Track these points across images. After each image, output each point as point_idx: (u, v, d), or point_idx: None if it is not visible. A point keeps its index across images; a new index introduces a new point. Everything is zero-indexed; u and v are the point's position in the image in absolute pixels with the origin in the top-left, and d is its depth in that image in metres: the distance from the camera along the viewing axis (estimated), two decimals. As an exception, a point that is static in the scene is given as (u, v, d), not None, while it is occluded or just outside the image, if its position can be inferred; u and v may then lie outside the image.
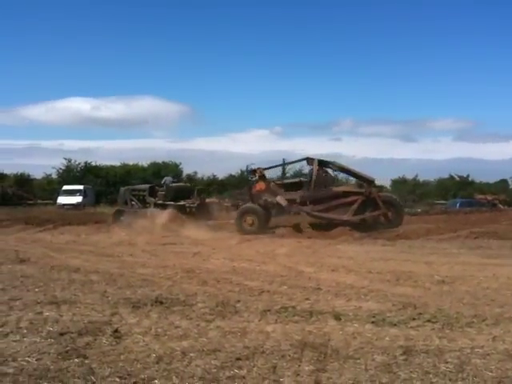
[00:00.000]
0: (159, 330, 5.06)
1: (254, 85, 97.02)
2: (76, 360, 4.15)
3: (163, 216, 18.12)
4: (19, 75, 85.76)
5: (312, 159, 17.55)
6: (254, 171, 18.32)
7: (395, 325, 5.38)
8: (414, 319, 5.59)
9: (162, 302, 6.23)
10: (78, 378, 3.78)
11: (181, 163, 57.67)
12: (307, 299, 6.54)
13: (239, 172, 53.63)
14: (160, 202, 19.74)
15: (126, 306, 6.02)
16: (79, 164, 54.30)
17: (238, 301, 6.39)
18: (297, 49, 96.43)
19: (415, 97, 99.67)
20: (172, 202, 19.56)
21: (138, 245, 13.41)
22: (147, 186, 21.15)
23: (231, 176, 52.96)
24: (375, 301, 6.54)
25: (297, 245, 13.83)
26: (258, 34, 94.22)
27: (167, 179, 21.56)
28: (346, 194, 16.92)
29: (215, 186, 49.07)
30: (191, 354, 4.33)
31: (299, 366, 4.11)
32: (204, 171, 54.98)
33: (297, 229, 17.45)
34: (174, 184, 21.61)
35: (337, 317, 5.60)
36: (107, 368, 3.99)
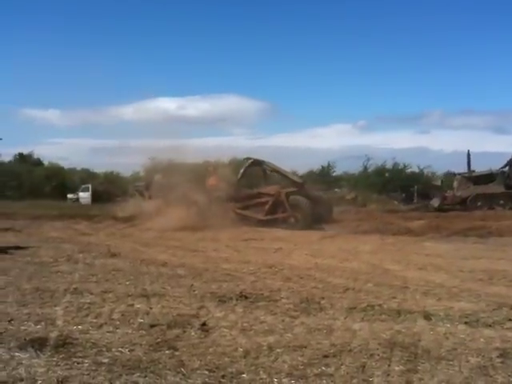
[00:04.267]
0: (245, 324, 5.10)
1: (337, 78, 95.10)
2: (167, 352, 4.26)
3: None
4: (112, 76, 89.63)
5: (249, 159, 20.07)
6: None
7: (490, 326, 5.11)
8: (510, 320, 5.30)
9: (246, 297, 6.28)
10: (169, 369, 3.87)
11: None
12: (394, 298, 6.35)
13: (320, 168, 53.28)
14: (151, 194, 23.57)
15: (212, 300, 6.13)
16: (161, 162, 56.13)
17: (323, 298, 6.31)
18: (379, 39, 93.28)
19: (510, 85, 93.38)
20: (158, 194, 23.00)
21: (221, 240, 13.65)
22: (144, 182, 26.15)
23: (311, 172, 52.66)
24: (467, 300, 6.24)
25: (380, 242, 13.52)
26: (337, 26, 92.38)
27: (156, 176, 25.74)
28: (261, 194, 18.90)
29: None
30: (278, 350, 4.32)
31: (389, 365, 3.99)
32: (284, 167, 55.04)
33: None
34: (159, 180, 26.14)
35: (427, 316, 5.39)
36: (196, 360, 4.06)
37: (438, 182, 30.65)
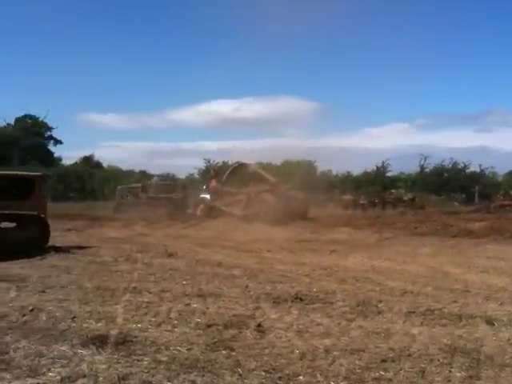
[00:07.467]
0: (301, 326, 5.08)
1: (393, 76, 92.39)
2: (223, 352, 4.30)
3: None
4: (168, 79, 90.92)
5: (237, 162, 22.94)
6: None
7: (557, 332, 4.87)
8: None
9: (301, 299, 6.26)
10: (226, 369, 3.90)
11: (315, 161, 57.74)
12: (455, 302, 6.18)
13: (374, 168, 52.38)
14: (151, 195, 27.19)
15: (267, 301, 6.14)
16: (217, 163, 56.77)
17: (380, 301, 6.21)
18: (437, 34, 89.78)
19: None
20: (160, 195, 26.82)
21: (275, 241, 13.64)
22: (139, 184, 29.36)
23: (366, 172, 51.86)
24: (532, 306, 5.98)
25: (440, 244, 13.17)
26: (391, 23, 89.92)
27: (155, 179, 30.38)
28: (239, 193, 21.00)
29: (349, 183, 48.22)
30: (334, 353, 4.27)
31: (450, 371, 3.87)
32: (338, 168, 54.34)
33: None
34: (160, 182, 30.60)
35: (489, 321, 5.21)
36: (253, 361, 4.07)
37: None
